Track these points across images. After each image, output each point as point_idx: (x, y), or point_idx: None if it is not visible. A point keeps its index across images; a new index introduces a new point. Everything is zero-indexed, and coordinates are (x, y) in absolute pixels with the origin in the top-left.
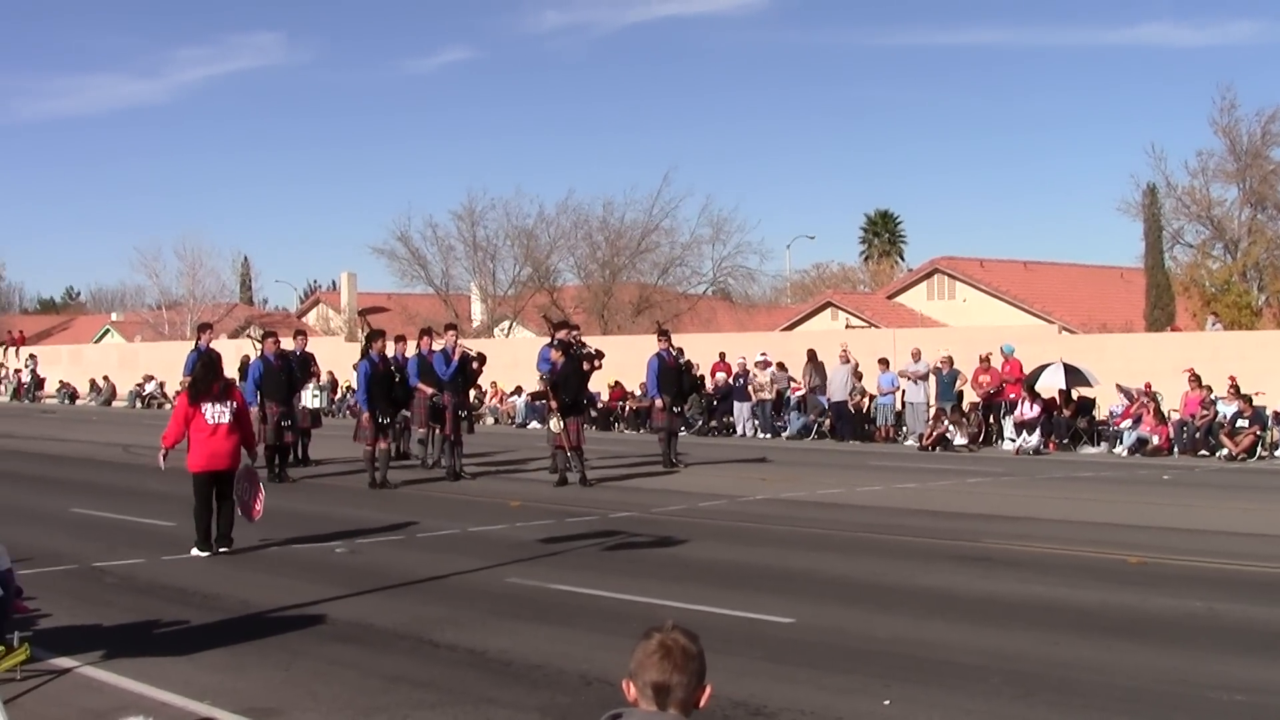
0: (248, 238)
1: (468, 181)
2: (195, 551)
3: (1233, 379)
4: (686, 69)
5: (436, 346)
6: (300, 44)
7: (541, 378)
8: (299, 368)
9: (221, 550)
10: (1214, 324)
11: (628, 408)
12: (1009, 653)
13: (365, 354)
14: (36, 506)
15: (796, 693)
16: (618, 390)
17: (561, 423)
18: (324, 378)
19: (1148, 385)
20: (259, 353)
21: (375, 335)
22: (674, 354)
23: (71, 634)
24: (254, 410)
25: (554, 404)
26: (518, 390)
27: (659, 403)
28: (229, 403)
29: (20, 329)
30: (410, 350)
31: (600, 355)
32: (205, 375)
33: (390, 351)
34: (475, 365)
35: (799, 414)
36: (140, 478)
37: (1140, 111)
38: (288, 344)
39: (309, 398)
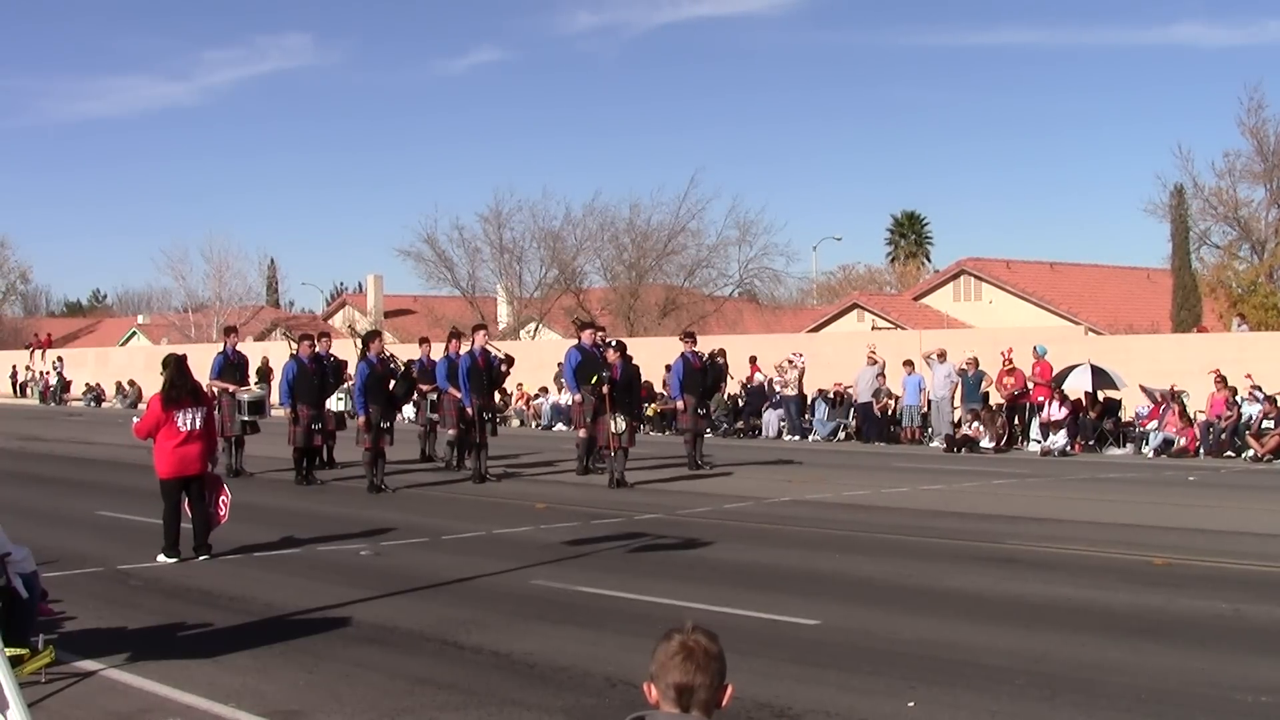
0: (274, 240)
1: (494, 183)
2: (162, 558)
3: (1249, 377)
4: (715, 70)
5: (463, 349)
6: (329, 45)
7: (601, 379)
8: (332, 372)
9: (201, 557)
10: (1240, 325)
11: (653, 409)
12: (1034, 654)
13: (363, 355)
14: (62, 509)
15: (821, 694)
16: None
17: (620, 423)
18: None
19: (1173, 386)
20: (293, 353)
21: (372, 335)
22: (700, 356)
23: (97, 636)
24: (285, 411)
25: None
26: (543, 392)
27: (682, 404)
28: (200, 408)
29: (47, 332)
30: (437, 353)
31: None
32: (181, 381)
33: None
34: (505, 368)
35: (825, 420)
36: None
37: (1167, 112)
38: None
39: (333, 400)
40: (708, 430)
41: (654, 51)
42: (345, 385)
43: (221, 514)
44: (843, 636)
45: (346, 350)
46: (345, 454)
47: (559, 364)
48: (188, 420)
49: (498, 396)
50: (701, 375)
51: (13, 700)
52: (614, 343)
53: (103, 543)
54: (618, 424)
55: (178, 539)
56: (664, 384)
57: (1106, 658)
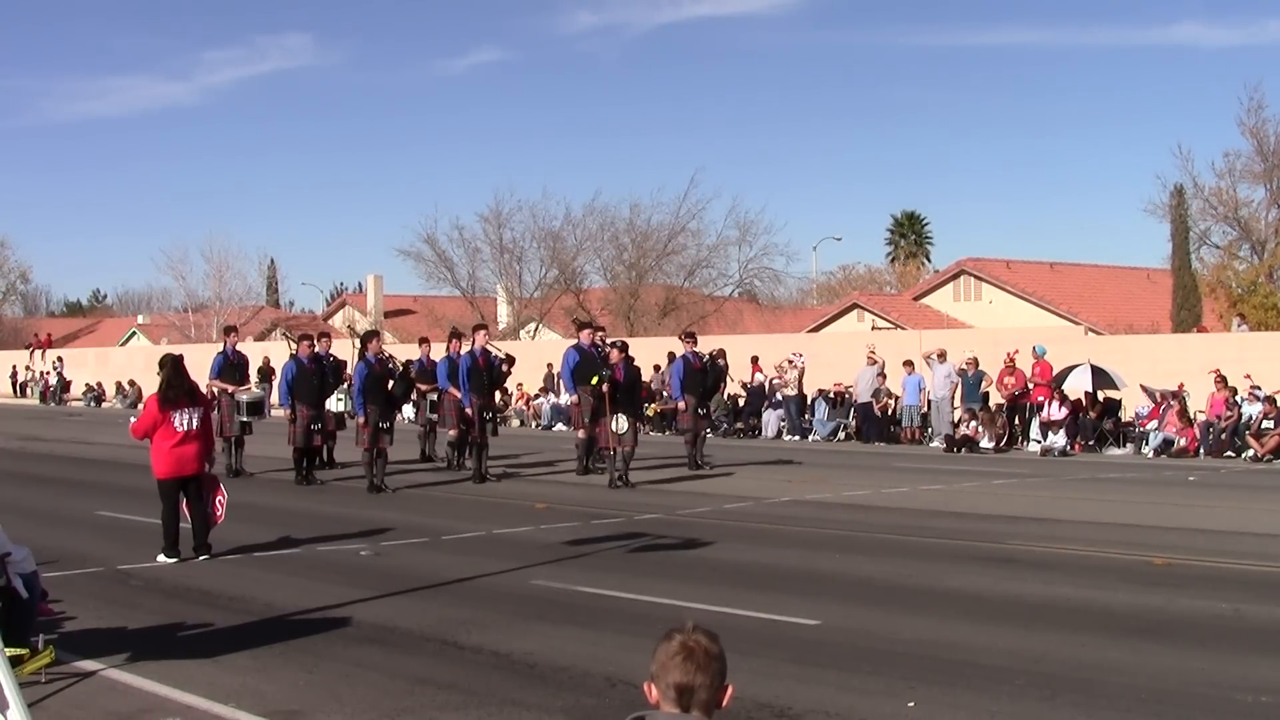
0: (274, 240)
1: (494, 183)
2: (162, 558)
3: (1249, 377)
4: (715, 70)
5: (464, 349)
6: (329, 45)
7: (602, 378)
8: (331, 372)
9: (201, 557)
10: (1240, 325)
11: (653, 409)
12: (1034, 654)
13: (361, 355)
14: (62, 509)
15: (821, 694)
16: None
17: (623, 423)
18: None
19: (1181, 386)
20: (293, 353)
21: (370, 336)
22: (701, 357)
23: (97, 636)
24: (284, 412)
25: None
26: (543, 392)
27: (683, 404)
28: (197, 408)
29: (47, 331)
30: (437, 353)
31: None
32: (178, 381)
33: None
34: (505, 368)
35: (825, 420)
36: None
37: (1167, 112)
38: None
39: (333, 401)
40: (708, 430)
41: (654, 51)
42: (345, 385)
43: (218, 514)
44: (843, 636)
45: (346, 350)
46: (345, 454)
47: (549, 364)
48: (185, 420)
49: (498, 396)
50: (702, 375)
51: (13, 700)
52: (617, 343)
53: (103, 543)
54: (620, 424)
55: (177, 539)
56: (652, 383)
57: (1106, 658)
